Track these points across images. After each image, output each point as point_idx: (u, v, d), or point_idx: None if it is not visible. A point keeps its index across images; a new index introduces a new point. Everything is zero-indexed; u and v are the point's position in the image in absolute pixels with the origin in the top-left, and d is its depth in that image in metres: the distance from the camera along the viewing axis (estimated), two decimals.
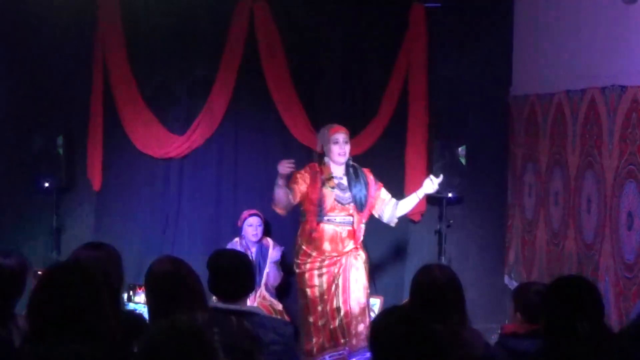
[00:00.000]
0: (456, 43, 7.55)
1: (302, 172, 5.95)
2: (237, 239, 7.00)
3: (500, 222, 7.67)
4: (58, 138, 7.15)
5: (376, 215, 6.08)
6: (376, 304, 7.00)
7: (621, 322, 5.15)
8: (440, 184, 6.05)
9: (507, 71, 7.57)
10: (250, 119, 7.49)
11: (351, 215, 5.95)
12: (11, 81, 7.31)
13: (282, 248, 7.05)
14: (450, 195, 7.26)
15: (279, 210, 5.97)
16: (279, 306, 6.90)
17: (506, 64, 7.57)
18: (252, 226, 6.96)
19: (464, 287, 3.57)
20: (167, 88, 7.41)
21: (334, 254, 5.90)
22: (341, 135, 5.96)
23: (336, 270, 5.92)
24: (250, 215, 7.00)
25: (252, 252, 6.88)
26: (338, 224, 5.93)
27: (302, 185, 5.90)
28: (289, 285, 7.40)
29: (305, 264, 5.94)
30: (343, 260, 5.93)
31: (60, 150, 7.16)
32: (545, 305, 3.10)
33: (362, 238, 6.01)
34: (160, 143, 7.35)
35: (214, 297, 3.94)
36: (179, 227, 7.46)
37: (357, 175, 5.99)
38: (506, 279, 7.60)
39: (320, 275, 5.91)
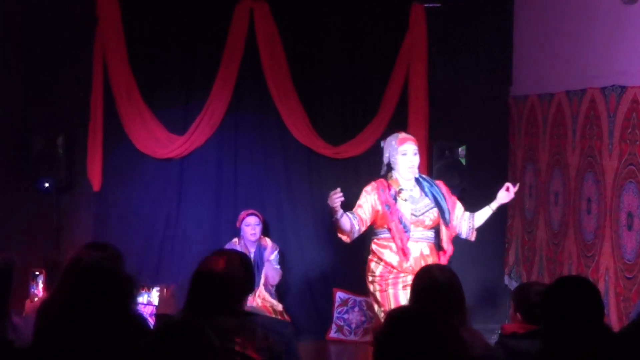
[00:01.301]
0: (456, 43, 7.55)
1: (370, 192, 5.30)
2: (235, 240, 6.99)
3: (500, 222, 7.66)
4: (58, 138, 7.14)
5: (455, 232, 5.48)
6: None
7: (621, 322, 5.16)
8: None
9: (507, 71, 7.58)
10: (250, 119, 7.48)
11: (428, 228, 5.34)
12: (11, 81, 7.31)
13: (277, 248, 7.04)
14: None
15: (344, 238, 5.34)
16: (279, 307, 6.90)
17: (506, 64, 7.57)
18: (249, 225, 6.95)
19: (464, 287, 3.57)
20: (167, 88, 7.40)
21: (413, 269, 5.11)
22: (410, 147, 5.30)
23: None
24: (248, 214, 7.00)
25: (251, 252, 6.87)
26: (417, 239, 5.28)
27: (370, 210, 5.25)
28: (289, 285, 7.40)
29: (386, 280, 5.26)
30: None
31: (60, 150, 7.14)
32: (546, 305, 3.10)
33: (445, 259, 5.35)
34: (160, 143, 7.34)
35: None
36: (179, 227, 7.45)
37: (431, 185, 5.38)
38: (506, 279, 7.60)
39: (404, 287, 5.18)
